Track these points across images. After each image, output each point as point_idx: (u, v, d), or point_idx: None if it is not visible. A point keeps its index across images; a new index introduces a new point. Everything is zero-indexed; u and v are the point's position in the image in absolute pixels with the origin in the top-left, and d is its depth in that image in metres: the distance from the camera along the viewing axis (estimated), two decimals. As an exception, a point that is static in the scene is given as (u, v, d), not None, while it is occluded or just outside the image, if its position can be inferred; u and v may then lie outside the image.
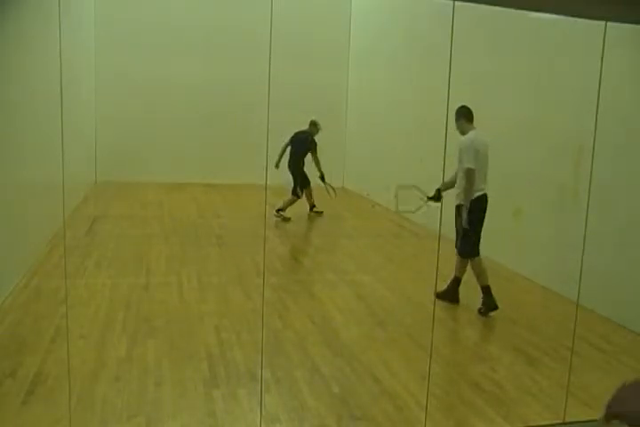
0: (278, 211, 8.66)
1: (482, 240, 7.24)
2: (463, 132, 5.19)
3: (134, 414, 3.17)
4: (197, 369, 3.74)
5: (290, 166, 8.92)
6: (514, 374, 3.95)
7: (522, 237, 6.39)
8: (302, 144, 8.94)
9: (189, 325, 4.51)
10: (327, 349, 4.22)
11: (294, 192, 8.88)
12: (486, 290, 5.07)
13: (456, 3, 2.89)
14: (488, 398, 3.55)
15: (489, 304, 5.04)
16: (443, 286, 5.22)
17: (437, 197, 5.31)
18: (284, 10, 10.78)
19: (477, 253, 5.15)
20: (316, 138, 9.04)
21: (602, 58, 3.43)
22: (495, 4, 2.98)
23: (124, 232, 7.49)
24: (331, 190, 8.96)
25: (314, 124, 9.04)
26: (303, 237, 8.40)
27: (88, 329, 4.28)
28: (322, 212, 9.16)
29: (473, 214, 5.05)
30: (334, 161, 11.97)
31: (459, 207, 5.11)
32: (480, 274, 5.12)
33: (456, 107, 5.18)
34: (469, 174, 4.99)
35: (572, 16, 3.55)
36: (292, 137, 8.96)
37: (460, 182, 5.08)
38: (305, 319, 4.79)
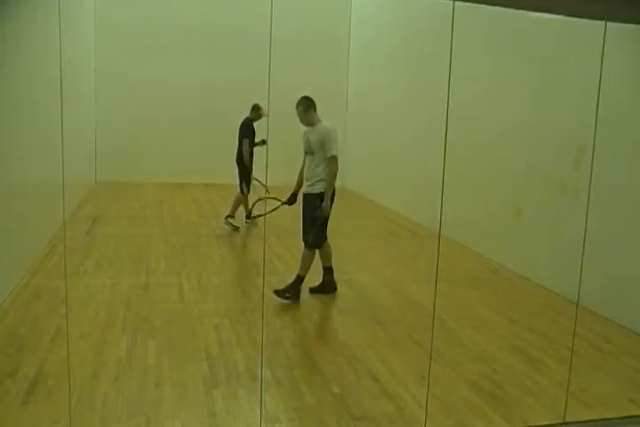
0: (227, 217, 7.83)
1: (481, 240, 7.25)
2: (312, 123, 5.26)
3: (134, 414, 3.17)
4: (197, 369, 3.74)
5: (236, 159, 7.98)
6: (514, 374, 3.95)
7: (522, 237, 6.39)
8: (241, 132, 7.91)
9: (189, 325, 4.51)
10: (327, 349, 4.22)
11: (241, 189, 7.94)
12: (329, 270, 5.38)
13: (456, 3, 2.89)
14: (488, 398, 3.55)
15: (332, 284, 5.37)
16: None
17: (292, 201, 5.41)
18: (284, 10, 10.82)
19: (326, 238, 5.31)
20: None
21: (602, 58, 3.43)
22: (495, 4, 2.98)
23: (123, 232, 7.50)
24: (261, 187, 7.82)
25: (256, 109, 7.90)
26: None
27: (88, 329, 4.28)
28: (257, 216, 7.86)
29: (330, 204, 5.16)
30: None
31: (319, 195, 5.12)
32: (328, 255, 5.36)
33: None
34: (336, 161, 5.12)
35: (572, 16, 3.55)
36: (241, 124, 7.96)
37: (324, 171, 5.11)
38: (305, 319, 4.79)
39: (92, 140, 11.00)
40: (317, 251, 5.32)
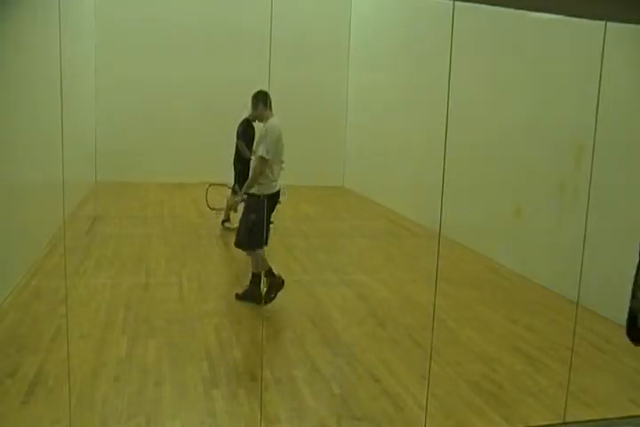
0: (223, 222, 7.89)
1: (481, 240, 7.24)
2: (261, 119, 4.99)
3: (134, 414, 3.17)
4: (197, 369, 3.74)
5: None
6: (514, 374, 3.95)
7: (522, 237, 6.39)
8: (238, 133, 7.75)
9: (189, 325, 4.51)
10: (327, 349, 4.22)
11: (233, 190, 7.74)
12: (257, 278, 5.02)
13: (456, 3, 2.89)
14: (488, 398, 3.55)
15: (255, 293, 4.96)
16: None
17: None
18: (284, 10, 10.83)
19: (266, 243, 5.06)
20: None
21: (602, 58, 3.43)
22: (495, 4, 2.97)
23: (124, 232, 7.50)
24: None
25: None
26: (302, 236, 8.39)
27: (88, 329, 4.28)
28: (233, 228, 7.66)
29: (271, 207, 4.91)
30: (334, 161, 11.99)
31: (256, 197, 4.84)
32: (256, 262, 5.02)
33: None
34: (261, 163, 4.74)
35: (572, 16, 3.55)
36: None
37: (254, 172, 4.83)
38: (305, 319, 4.79)
39: (92, 141, 10.99)
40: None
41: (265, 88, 5.00)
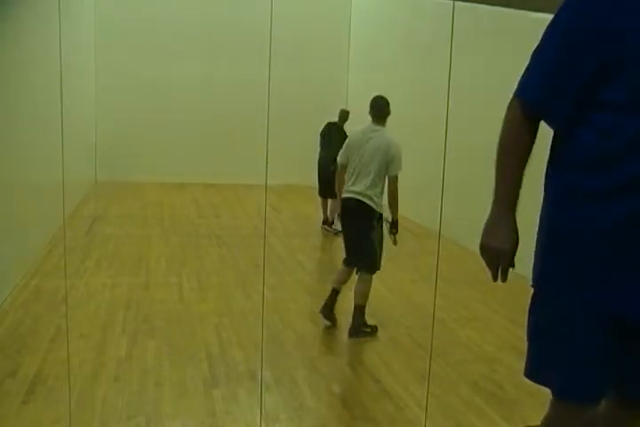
0: (325, 223, 7.87)
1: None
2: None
3: (134, 414, 3.17)
4: (197, 369, 3.74)
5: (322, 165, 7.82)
6: (514, 374, 3.95)
7: (521, 236, 6.37)
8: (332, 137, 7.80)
9: (189, 325, 4.51)
10: (327, 349, 4.22)
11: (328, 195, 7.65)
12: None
13: (456, 3, 2.89)
14: (488, 398, 3.55)
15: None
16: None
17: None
18: (284, 9, 10.80)
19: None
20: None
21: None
22: (495, 4, 2.98)
23: (124, 232, 7.49)
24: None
25: (345, 114, 8.10)
26: (302, 236, 8.39)
27: (88, 329, 4.28)
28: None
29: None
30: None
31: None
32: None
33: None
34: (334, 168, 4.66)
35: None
36: (324, 129, 7.97)
37: None
38: (305, 319, 4.79)
39: (92, 140, 10.99)
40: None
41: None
